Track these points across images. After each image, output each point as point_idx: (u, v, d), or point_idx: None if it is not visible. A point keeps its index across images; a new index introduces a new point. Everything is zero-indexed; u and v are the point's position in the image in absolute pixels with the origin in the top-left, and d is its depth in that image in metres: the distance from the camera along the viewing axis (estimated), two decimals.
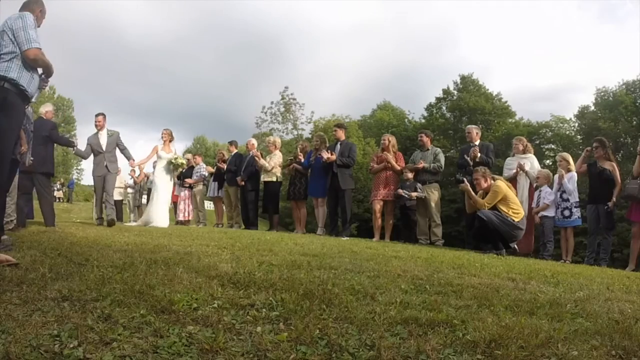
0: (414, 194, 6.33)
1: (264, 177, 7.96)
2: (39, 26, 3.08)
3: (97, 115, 6.71)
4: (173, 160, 7.29)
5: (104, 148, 6.56)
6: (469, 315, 1.41)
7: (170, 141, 7.45)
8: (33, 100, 3.08)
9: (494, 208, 4.84)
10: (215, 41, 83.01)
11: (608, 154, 5.55)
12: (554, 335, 1.25)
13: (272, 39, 73.48)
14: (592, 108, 29.91)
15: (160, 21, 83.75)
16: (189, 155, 10.89)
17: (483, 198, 4.97)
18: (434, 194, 6.54)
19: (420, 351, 1.10)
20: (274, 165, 7.83)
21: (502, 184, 4.91)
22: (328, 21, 79.41)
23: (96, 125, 6.68)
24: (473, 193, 5.01)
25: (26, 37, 2.80)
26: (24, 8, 3.04)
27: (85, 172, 44.88)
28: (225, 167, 8.85)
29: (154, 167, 7.72)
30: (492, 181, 4.99)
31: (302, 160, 7.39)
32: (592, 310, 1.68)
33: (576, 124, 31.10)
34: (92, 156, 6.65)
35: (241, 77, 79.41)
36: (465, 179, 5.32)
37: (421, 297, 1.70)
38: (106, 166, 6.55)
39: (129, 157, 6.95)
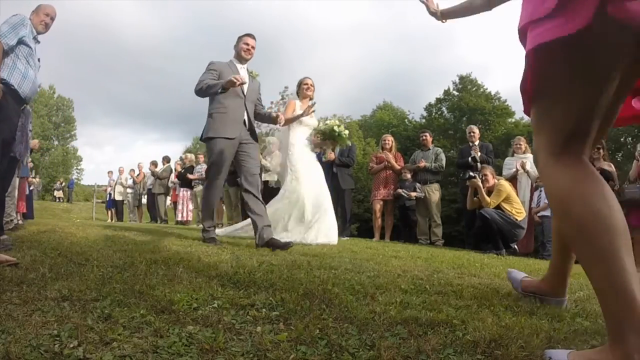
0: (413, 194, 6.35)
1: (264, 177, 7.96)
2: (40, 26, 3.10)
3: (248, 36, 3.79)
4: (336, 128, 4.65)
5: (245, 91, 3.71)
6: (469, 315, 1.41)
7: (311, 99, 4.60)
8: (28, 99, 3.07)
9: (497, 207, 4.89)
10: (211, 42, 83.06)
11: (606, 155, 5.60)
12: (554, 335, 1.25)
13: (270, 39, 73.40)
14: None
15: (156, 22, 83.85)
16: (190, 156, 10.89)
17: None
18: (434, 194, 6.54)
19: (420, 351, 1.10)
20: (275, 165, 7.84)
21: (505, 183, 5.02)
22: (327, 21, 79.43)
23: (243, 53, 3.74)
24: (483, 190, 5.05)
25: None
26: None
27: (85, 172, 44.95)
28: None
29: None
30: (496, 180, 5.08)
31: None
32: (592, 310, 1.68)
33: None
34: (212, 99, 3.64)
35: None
36: (476, 174, 5.33)
37: (421, 297, 1.70)
38: (247, 121, 3.69)
39: (270, 118, 3.96)
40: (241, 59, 3.81)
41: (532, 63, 1.09)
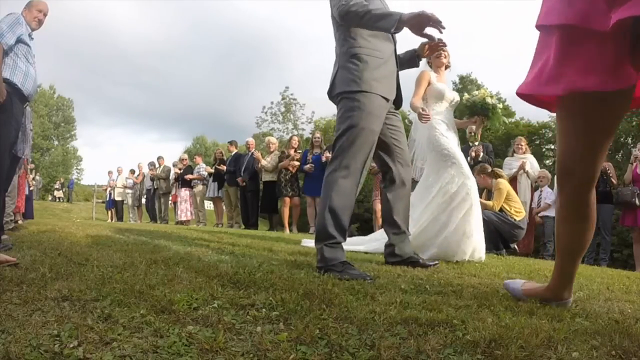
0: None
1: (264, 177, 7.97)
2: (34, 23, 3.10)
3: None
4: (489, 100, 3.51)
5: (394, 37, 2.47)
6: (469, 315, 1.41)
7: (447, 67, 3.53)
8: (31, 97, 3.07)
9: None
10: (209, 42, 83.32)
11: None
12: (554, 335, 1.25)
13: (266, 40, 73.60)
14: None
15: (152, 23, 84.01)
16: (185, 156, 10.87)
17: (488, 198, 4.99)
18: None
19: (420, 351, 1.10)
20: (275, 165, 7.85)
21: (504, 181, 4.93)
22: (323, 21, 79.47)
23: None
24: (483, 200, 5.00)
25: None
26: None
27: (85, 172, 45.03)
28: (225, 168, 8.86)
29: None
30: (494, 179, 4.99)
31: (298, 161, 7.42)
32: (592, 310, 1.68)
33: None
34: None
35: (240, 77, 79.59)
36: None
37: (421, 297, 1.70)
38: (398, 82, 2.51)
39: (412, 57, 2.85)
40: None
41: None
